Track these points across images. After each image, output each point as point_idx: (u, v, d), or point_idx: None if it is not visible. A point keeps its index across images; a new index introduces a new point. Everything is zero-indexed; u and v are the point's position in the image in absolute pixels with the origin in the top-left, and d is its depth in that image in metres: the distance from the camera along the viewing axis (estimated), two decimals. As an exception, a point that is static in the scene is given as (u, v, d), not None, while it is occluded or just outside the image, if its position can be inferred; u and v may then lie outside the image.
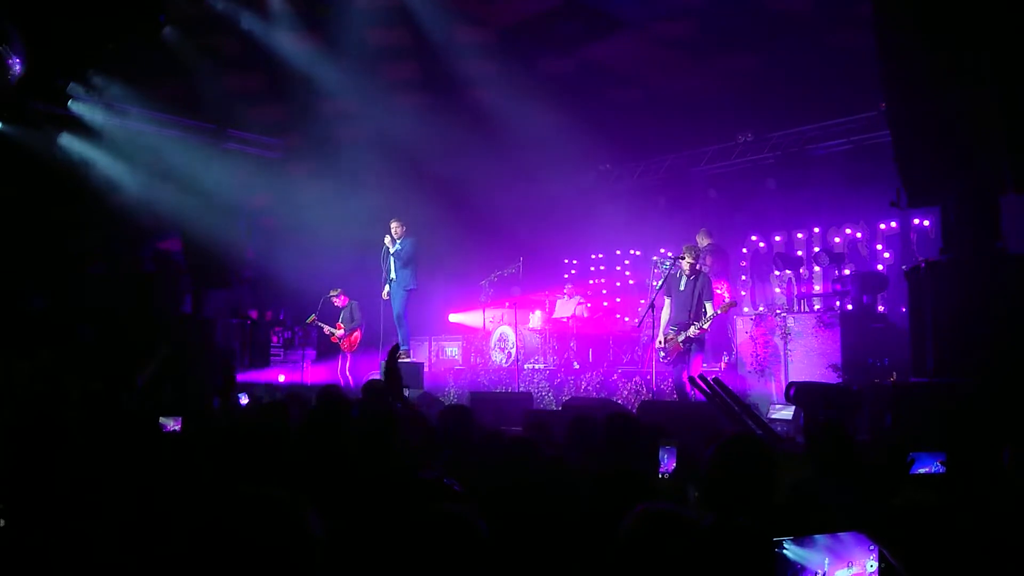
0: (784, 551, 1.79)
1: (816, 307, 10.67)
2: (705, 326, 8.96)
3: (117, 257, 12.85)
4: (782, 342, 9.90)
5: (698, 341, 8.99)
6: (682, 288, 9.13)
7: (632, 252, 14.79)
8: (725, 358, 10.48)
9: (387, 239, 11.29)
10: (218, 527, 1.79)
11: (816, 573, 1.82)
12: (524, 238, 15.02)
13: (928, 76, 7.10)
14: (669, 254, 9.76)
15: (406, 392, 5.54)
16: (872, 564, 1.85)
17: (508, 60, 12.54)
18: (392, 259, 11.27)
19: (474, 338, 13.24)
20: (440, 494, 3.27)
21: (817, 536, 1.83)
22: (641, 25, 11.36)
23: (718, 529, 1.97)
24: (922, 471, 2.85)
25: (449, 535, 2.08)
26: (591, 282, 14.99)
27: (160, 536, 2.59)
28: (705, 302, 8.97)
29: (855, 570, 1.85)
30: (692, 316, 8.99)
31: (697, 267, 9.18)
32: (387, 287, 11.44)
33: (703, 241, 11.03)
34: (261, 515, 1.79)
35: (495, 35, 12.05)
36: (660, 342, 9.18)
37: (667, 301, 9.33)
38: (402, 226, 11.36)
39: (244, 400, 7.98)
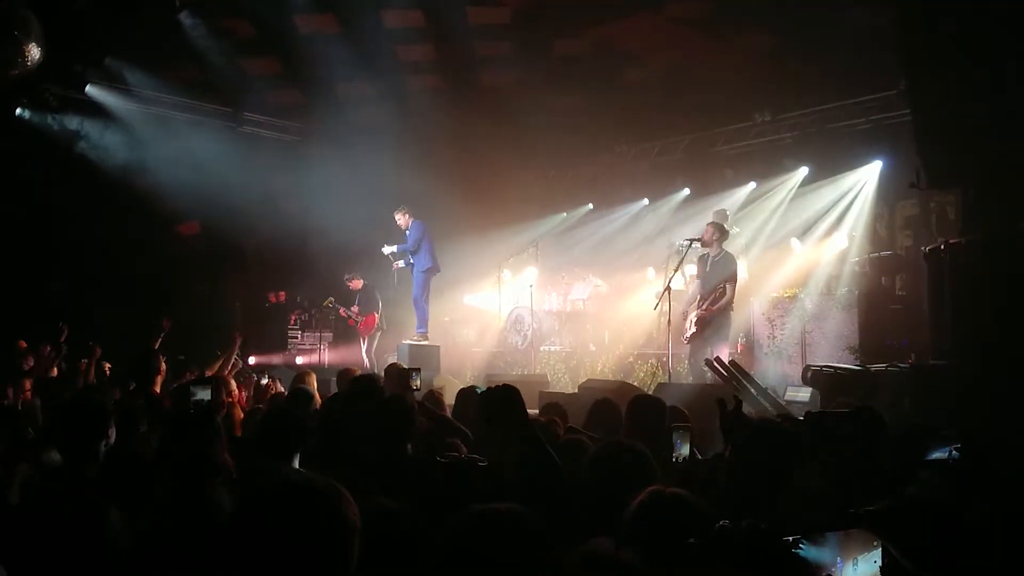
0: (800, 551, 1.81)
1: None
2: (714, 307, 8.83)
3: (135, 240, 12.96)
4: (799, 324, 9.85)
5: (717, 325, 8.87)
6: (708, 268, 9.08)
7: (649, 234, 14.73)
8: (741, 340, 10.44)
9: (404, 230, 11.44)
10: (258, 513, 1.80)
11: (831, 571, 1.83)
12: (540, 220, 15.02)
13: (949, 53, 7.00)
14: (687, 237, 9.70)
15: (418, 381, 5.60)
16: (876, 560, 1.86)
17: (523, 41, 12.47)
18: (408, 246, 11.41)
19: (490, 320, 13.26)
20: (465, 473, 3.30)
21: (829, 534, 1.84)
22: (657, 4, 11.24)
23: (732, 530, 1.98)
24: (937, 456, 2.85)
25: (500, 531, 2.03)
26: (607, 264, 14.94)
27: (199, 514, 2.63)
28: (726, 283, 8.87)
29: (862, 568, 1.86)
30: (711, 297, 8.91)
31: (720, 246, 9.08)
32: (400, 262, 11.59)
33: (728, 222, 10.90)
34: (301, 502, 1.80)
35: (510, 16, 11.96)
36: (690, 323, 9.12)
37: (697, 283, 9.30)
38: (404, 215, 11.43)
39: (264, 381, 8.05)
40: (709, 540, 1.95)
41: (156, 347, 7.65)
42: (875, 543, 1.86)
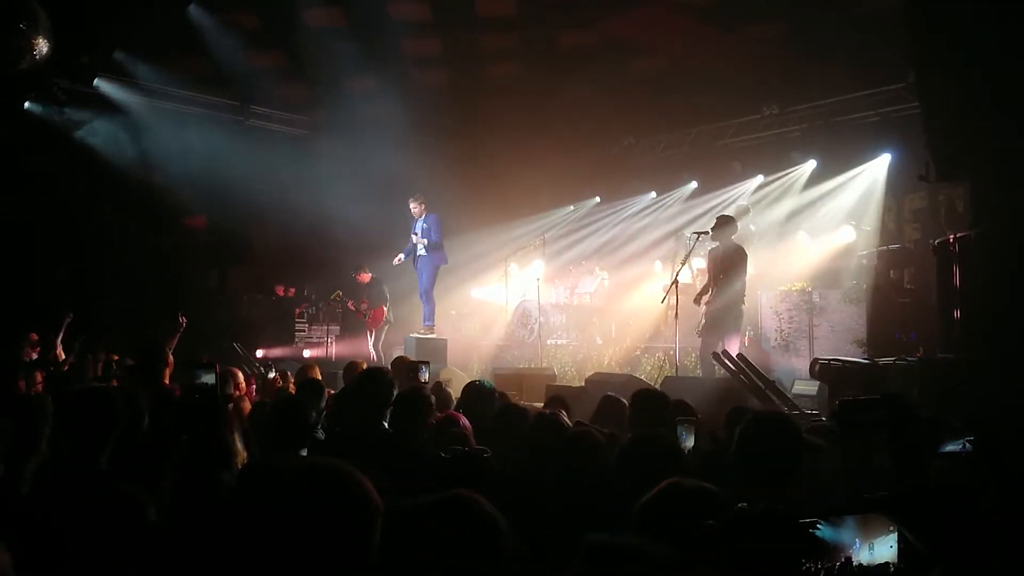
0: (818, 531, 1.82)
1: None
2: (711, 298, 8.80)
3: (142, 233, 13.01)
4: (807, 317, 9.83)
5: (727, 318, 8.83)
6: (716, 262, 9.06)
7: (656, 227, 14.71)
8: (749, 333, 10.42)
9: (415, 222, 11.39)
10: (289, 497, 1.82)
11: (847, 553, 1.84)
12: (547, 213, 15.02)
13: (957, 45, 6.96)
14: (694, 230, 9.70)
15: (426, 374, 5.64)
16: (892, 545, 1.88)
17: (529, 33, 12.44)
18: (419, 235, 11.36)
19: (497, 314, 13.27)
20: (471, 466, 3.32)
21: (847, 516, 1.86)
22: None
23: (750, 512, 1.99)
24: (949, 449, 2.86)
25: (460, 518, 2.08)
26: (615, 257, 14.93)
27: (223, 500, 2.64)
28: (732, 276, 8.84)
29: (878, 551, 1.87)
30: (715, 288, 8.89)
31: (728, 239, 9.04)
32: (401, 256, 11.55)
33: (741, 215, 10.88)
34: (328, 485, 1.82)
35: (516, 8, 11.94)
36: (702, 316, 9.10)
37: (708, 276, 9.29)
38: (418, 204, 11.38)
39: (272, 375, 8.08)
40: (727, 522, 1.96)
41: (174, 343, 7.71)
42: (891, 527, 1.87)
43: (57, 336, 8.66)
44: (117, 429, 3.15)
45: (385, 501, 2.25)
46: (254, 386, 7.55)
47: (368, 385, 4.44)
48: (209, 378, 3.70)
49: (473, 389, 5.21)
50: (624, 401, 4.80)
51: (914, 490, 2.16)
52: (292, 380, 7.43)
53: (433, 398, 4.52)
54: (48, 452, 3.06)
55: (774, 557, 1.86)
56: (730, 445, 3.06)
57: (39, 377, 6.39)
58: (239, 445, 3.99)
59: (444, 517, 2.06)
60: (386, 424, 4.21)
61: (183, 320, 8.35)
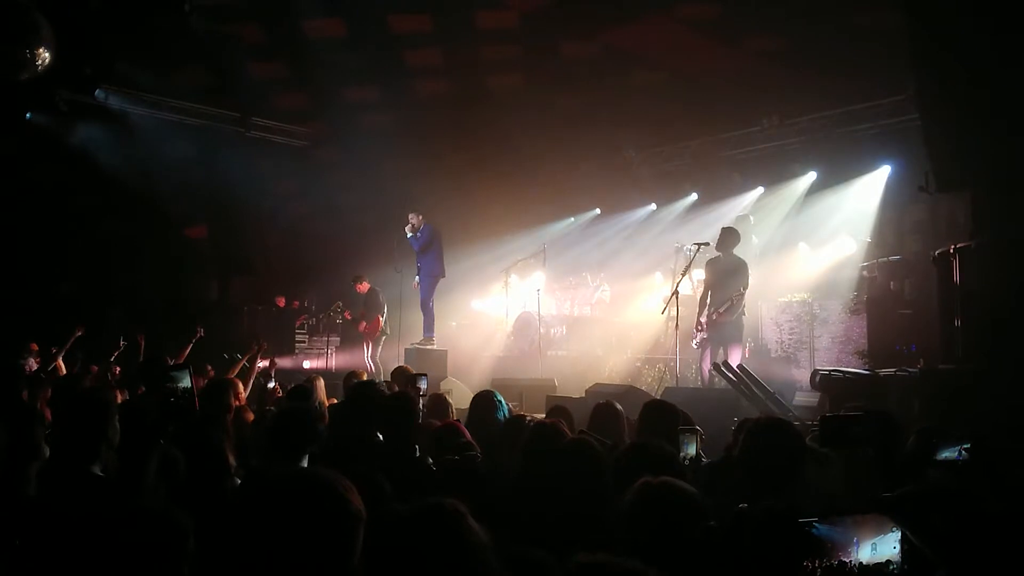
0: (815, 531, 1.82)
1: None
2: (722, 310, 8.81)
3: (144, 244, 13.02)
4: (808, 328, 9.82)
5: (729, 329, 8.83)
6: (720, 275, 9.06)
7: (657, 238, 14.72)
8: (749, 344, 10.40)
9: (407, 228, 11.37)
10: (268, 504, 1.83)
11: (846, 552, 1.84)
12: (547, 224, 15.02)
13: (959, 55, 6.96)
14: (695, 241, 9.71)
15: (425, 380, 5.67)
16: (896, 545, 1.87)
17: (530, 45, 12.47)
18: (415, 248, 11.37)
19: (497, 325, 13.25)
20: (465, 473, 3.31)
21: (845, 517, 1.86)
22: (665, 7, 11.23)
23: (749, 512, 1.98)
24: (945, 455, 2.86)
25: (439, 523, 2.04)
26: (615, 268, 14.92)
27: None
28: (734, 288, 8.84)
29: (880, 550, 1.86)
30: (727, 304, 8.88)
31: (730, 251, 9.06)
32: (417, 278, 11.56)
33: (742, 223, 10.89)
34: (308, 493, 1.83)
35: (517, 19, 11.97)
36: (698, 326, 9.09)
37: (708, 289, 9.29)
38: (418, 216, 11.41)
39: (271, 385, 8.06)
40: (728, 523, 1.95)
41: (187, 352, 7.73)
42: (891, 527, 1.87)
43: (62, 348, 8.66)
44: (111, 436, 3.15)
45: (385, 509, 2.23)
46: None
47: (359, 398, 4.44)
48: (185, 382, 3.65)
49: (480, 400, 5.20)
50: (619, 407, 4.79)
51: (919, 492, 2.15)
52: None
53: (422, 403, 4.51)
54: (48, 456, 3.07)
55: (773, 556, 1.85)
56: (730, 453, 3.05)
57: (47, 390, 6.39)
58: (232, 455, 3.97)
59: (424, 527, 2.00)
60: (380, 436, 4.19)
61: (200, 331, 8.40)
